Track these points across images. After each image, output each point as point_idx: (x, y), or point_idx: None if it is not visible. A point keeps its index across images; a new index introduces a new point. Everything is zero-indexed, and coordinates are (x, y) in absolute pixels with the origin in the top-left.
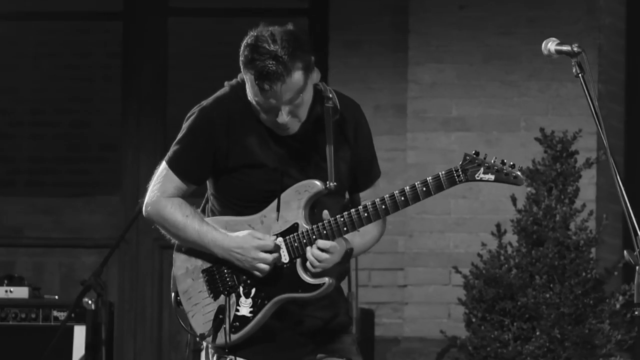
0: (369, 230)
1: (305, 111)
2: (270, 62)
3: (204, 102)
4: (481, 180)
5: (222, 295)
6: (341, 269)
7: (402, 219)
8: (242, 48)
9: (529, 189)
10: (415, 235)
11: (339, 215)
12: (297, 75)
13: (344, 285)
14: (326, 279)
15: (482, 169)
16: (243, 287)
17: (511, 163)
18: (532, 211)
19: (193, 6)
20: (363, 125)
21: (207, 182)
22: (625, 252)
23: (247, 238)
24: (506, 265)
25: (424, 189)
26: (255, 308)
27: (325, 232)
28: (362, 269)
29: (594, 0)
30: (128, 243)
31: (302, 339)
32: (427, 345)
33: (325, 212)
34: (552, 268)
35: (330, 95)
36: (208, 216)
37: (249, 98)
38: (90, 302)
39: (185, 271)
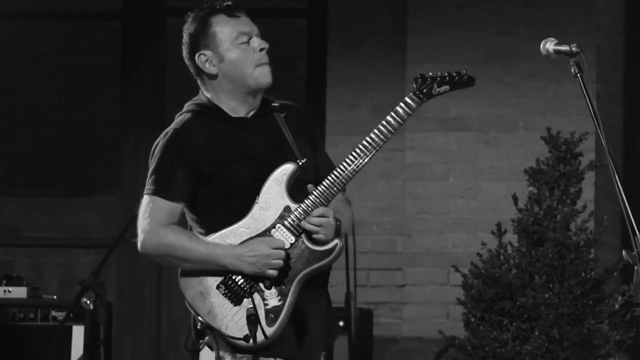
0: (344, 211)
1: (267, 60)
2: (224, 1)
3: (167, 128)
4: (439, 93)
5: (246, 298)
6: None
7: (400, 219)
8: (191, 19)
9: (530, 188)
10: (413, 235)
11: (323, 182)
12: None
13: (335, 288)
14: (336, 241)
15: (435, 84)
16: (263, 282)
17: (458, 71)
18: (533, 211)
19: (192, 6)
20: (308, 117)
21: (187, 211)
22: (623, 252)
23: (256, 240)
24: (505, 265)
25: (392, 120)
26: (282, 295)
27: (318, 200)
28: (360, 269)
29: (592, 0)
30: (127, 243)
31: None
32: (426, 345)
33: (310, 185)
34: (552, 268)
35: (270, 98)
36: None
37: (225, 50)
38: (88, 302)
39: (200, 294)
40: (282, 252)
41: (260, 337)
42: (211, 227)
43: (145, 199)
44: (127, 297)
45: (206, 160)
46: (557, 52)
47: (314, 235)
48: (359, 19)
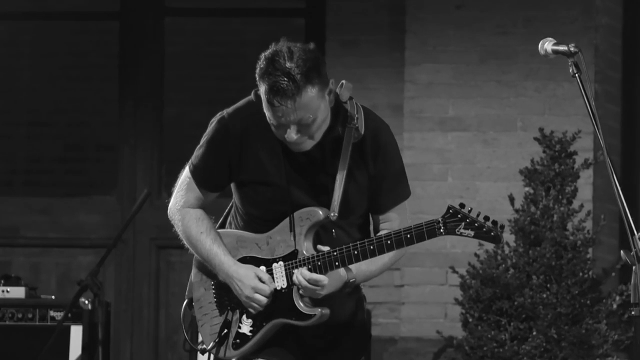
0: (379, 257)
1: (319, 132)
2: (283, 79)
3: (225, 111)
4: (461, 234)
5: (228, 309)
6: (346, 294)
7: None
8: (259, 59)
9: (527, 188)
10: None
11: (333, 250)
12: (309, 96)
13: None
14: (318, 310)
15: (462, 224)
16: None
17: (493, 219)
18: (529, 211)
19: (190, 6)
20: (386, 149)
21: (232, 189)
22: (622, 252)
23: (250, 275)
24: (503, 265)
25: (408, 236)
26: (255, 328)
27: (319, 263)
28: None
29: (590, 0)
30: (125, 243)
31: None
32: (424, 345)
33: (319, 246)
34: (549, 268)
35: (357, 116)
36: (230, 225)
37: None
38: (87, 302)
39: (200, 279)
40: (263, 300)
41: (222, 353)
42: (239, 222)
43: (186, 172)
44: (125, 297)
45: (240, 170)
46: (555, 52)
47: (300, 292)
48: (357, 19)
